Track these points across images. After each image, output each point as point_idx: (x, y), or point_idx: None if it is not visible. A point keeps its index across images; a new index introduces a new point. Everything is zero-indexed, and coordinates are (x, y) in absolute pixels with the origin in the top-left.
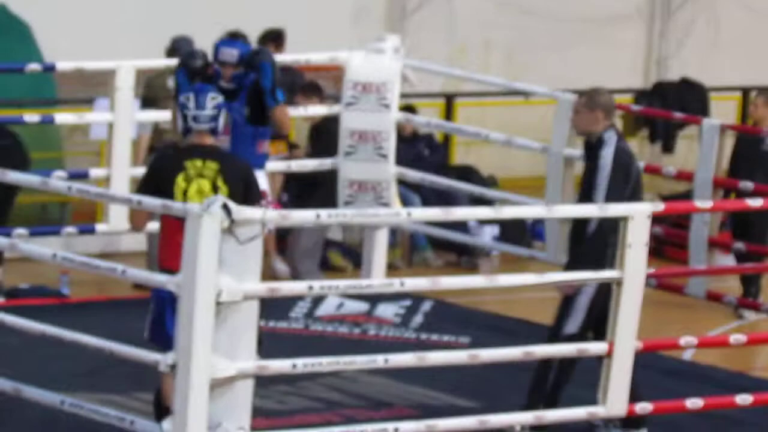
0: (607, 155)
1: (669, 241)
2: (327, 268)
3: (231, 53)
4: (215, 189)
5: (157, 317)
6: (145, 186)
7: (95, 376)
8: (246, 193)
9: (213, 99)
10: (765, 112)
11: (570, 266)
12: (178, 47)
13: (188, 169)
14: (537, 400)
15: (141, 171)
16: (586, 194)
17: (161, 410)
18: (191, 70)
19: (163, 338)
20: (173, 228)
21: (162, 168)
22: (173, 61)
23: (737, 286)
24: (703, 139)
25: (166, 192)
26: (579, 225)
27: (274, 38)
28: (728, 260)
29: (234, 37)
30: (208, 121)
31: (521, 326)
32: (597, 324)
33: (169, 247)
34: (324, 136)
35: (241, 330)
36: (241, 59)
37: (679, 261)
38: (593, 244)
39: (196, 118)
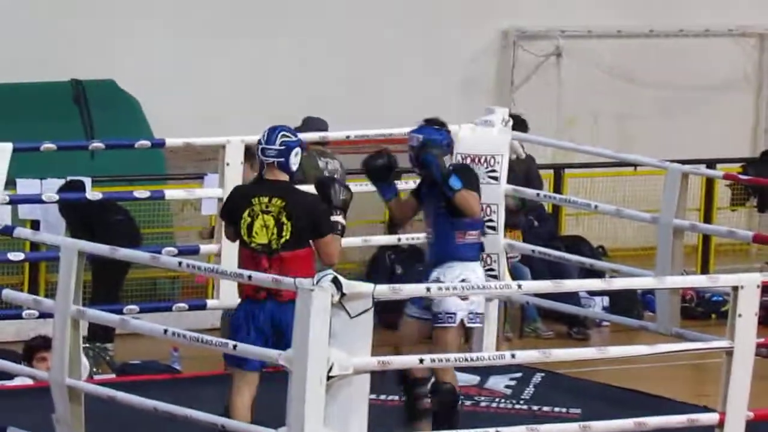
0: None
1: None
2: None
3: (416, 138)
4: (279, 225)
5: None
6: (222, 216)
7: None
8: (314, 228)
9: (283, 136)
10: None
11: None
12: (307, 123)
13: (254, 205)
14: None
15: None
16: None
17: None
18: (373, 171)
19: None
20: (248, 259)
21: (233, 202)
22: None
23: None
24: None
25: (236, 224)
26: None
27: (517, 124)
28: None
29: (429, 123)
30: (274, 155)
31: (633, 397)
32: None
33: None
34: None
35: (352, 404)
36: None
37: None
38: None
39: (263, 152)
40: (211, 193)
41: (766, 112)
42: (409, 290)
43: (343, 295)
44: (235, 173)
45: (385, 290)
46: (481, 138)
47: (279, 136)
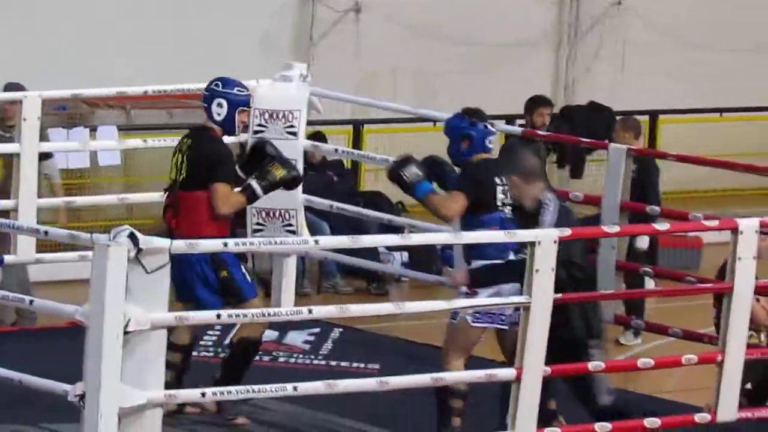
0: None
1: None
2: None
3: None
4: (181, 164)
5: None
6: None
7: (13, 409)
8: (206, 173)
9: (214, 85)
10: (624, 136)
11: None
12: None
13: (178, 145)
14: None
15: (47, 202)
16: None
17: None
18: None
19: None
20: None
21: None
22: (98, 92)
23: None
24: (611, 163)
25: None
26: None
27: (543, 103)
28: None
29: (465, 112)
30: (202, 99)
31: (431, 352)
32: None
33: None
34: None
35: (149, 359)
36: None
37: None
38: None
39: None
40: (8, 149)
41: (566, 68)
42: (205, 245)
43: (139, 250)
44: (32, 129)
45: (181, 245)
46: (280, 94)
47: (212, 84)
